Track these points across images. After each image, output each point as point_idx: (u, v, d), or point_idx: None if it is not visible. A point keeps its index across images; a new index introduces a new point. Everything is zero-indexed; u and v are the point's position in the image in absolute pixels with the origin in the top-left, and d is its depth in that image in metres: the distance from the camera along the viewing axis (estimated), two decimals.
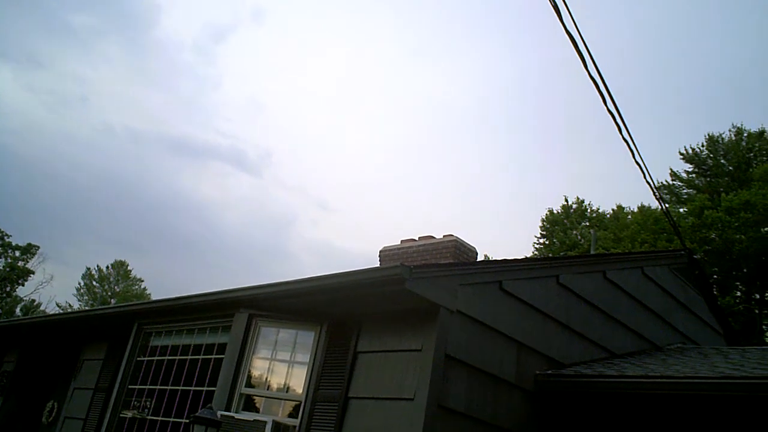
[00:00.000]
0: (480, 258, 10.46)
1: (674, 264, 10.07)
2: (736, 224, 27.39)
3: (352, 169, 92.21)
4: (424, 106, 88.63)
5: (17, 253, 48.52)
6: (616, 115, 5.96)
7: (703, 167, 34.87)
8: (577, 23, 5.04)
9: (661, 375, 6.37)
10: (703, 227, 28.06)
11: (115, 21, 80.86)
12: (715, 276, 28.98)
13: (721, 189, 32.26)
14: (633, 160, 6.67)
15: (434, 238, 9.67)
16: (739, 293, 30.22)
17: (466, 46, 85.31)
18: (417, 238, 9.92)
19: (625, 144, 6.37)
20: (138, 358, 8.89)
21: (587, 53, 5.29)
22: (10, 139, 69.25)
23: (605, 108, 5.85)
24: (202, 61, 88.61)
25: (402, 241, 10.07)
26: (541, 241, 38.90)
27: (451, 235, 9.44)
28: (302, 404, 6.56)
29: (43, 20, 76.85)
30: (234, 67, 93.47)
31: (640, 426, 6.59)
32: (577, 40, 5.13)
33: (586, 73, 5.47)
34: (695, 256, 10.60)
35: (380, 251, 10.19)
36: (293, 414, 6.66)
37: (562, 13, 4.87)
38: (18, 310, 48.30)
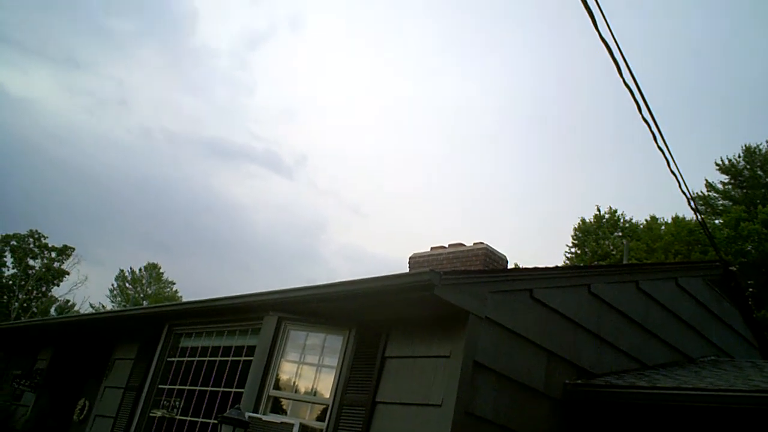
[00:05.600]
0: (510, 266, 10.38)
1: (709, 275, 9.89)
2: None
3: (385, 175, 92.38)
4: (455, 114, 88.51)
5: (53, 254, 49.44)
6: (652, 124, 5.87)
7: (740, 178, 34.26)
8: (612, 30, 4.98)
9: (694, 387, 6.25)
10: (739, 239, 27.57)
11: (153, 26, 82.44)
12: (750, 289, 28.41)
13: (758, 201, 31.64)
14: (668, 169, 6.56)
15: (464, 245, 9.62)
16: None
17: (497, 55, 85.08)
18: (447, 245, 9.88)
19: (661, 153, 6.28)
20: (168, 359, 8.98)
21: (623, 60, 5.23)
22: (47, 140, 70.75)
23: (641, 116, 5.77)
24: (238, 66, 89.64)
25: (432, 248, 10.04)
26: (573, 250, 38.49)
27: (482, 243, 9.38)
28: (329, 408, 6.57)
29: (83, 24, 78.66)
30: (269, 73, 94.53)
31: None
32: (612, 48, 5.08)
33: (621, 81, 5.41)
34: (731, 268, 10.40)
35: (410, 258, 10.17)
36: (320, 417, 6.67)
37: (597, 21, 4.82)
38: (53, 310, 49.11)
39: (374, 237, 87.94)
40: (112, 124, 77.30)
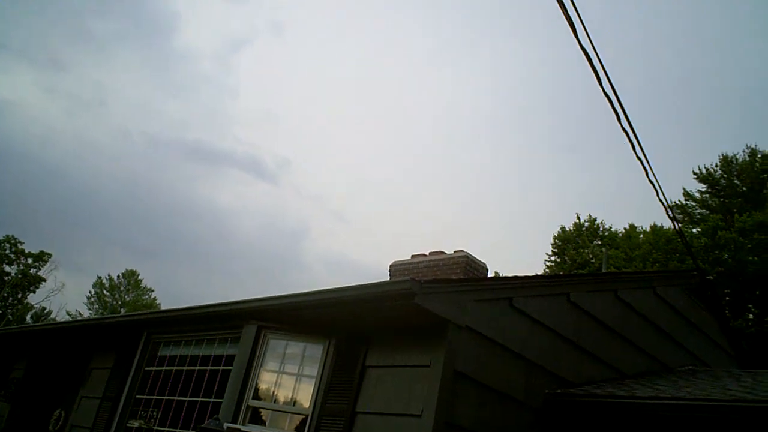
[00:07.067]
0: (490, 274, 10.40)
1: (686, 284, 9.98)
2: (750, 246, 27.19)
3: (367, 181, 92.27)
4: (440, 116, 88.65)
5: (29, 261, 48.81)
6: (630, 133, 5.91)
7: (717, 187, 34.60)
8: (592, 39, 5.02)
9: (672, 396, 6.29)
10: (716, 248, 27.86)
11: (135, 28, 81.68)
12: (727, 297, 28.70)
13: (735, 210, 32.00)
14: (646, 178, 6.61)
15: (444, 253, 9.62)
16: (751, 315, 29.88)
17: (477, 59, 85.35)
18: (427, 253, 9.87)
19: (639, 162, 6.32)
20: (146, 368, 8.88)
21: (602, 70, 5.26)
22: (26, 142, 69.85)
23: (619, 125, 5.81)
24: (221, 69, 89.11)
25: (412, 256, 10.03)
26: (553, 258, 38.69)
27: (462, 251, 9.39)
28: (309, 418, 6.52)
29: (65, 25, 77.83)
30: (252, 77, 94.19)
31: None
32: (591, 57, 5.11)
33: (601, 90, 5.44)
34: (708, 277, 10.50)
35: (390, 265, 10.15)
36: (300, 428, 6.62)
37: (577, 29, 4.85)
38: (28, 317, 48.47)
39: (356, 243, 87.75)
40: (93, 127, 76.52)
